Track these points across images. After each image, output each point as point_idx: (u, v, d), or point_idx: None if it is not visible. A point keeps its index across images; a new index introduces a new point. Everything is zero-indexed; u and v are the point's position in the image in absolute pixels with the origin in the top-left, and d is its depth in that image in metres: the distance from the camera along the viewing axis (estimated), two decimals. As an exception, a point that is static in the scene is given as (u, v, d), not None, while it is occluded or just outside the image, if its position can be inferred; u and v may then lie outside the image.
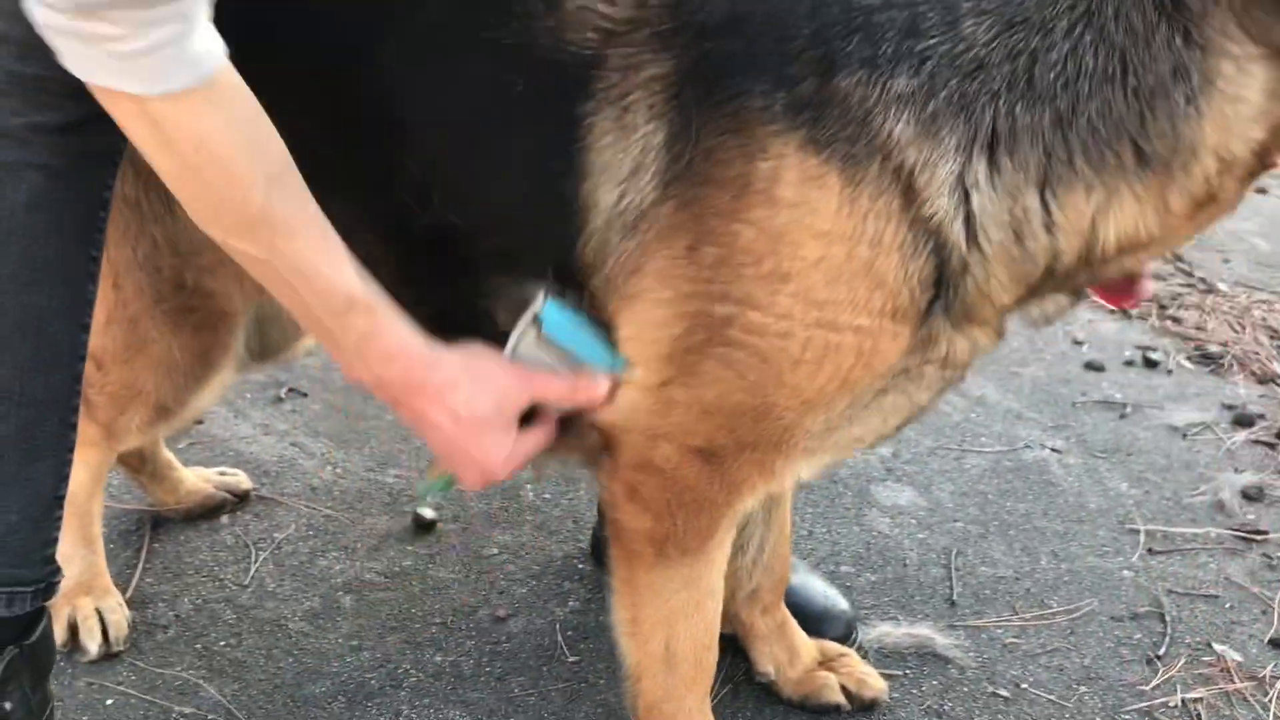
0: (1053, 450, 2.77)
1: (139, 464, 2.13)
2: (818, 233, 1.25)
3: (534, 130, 1.39)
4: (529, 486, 2.44)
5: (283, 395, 2.73)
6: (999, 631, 2.10)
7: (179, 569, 2.12)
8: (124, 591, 2.00)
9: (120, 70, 1.17)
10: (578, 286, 1.39)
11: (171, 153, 1.22)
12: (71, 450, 1.49)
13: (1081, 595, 2.22)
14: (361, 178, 1.47)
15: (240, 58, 1.47)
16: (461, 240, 1.45)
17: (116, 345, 1.69)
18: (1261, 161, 1.24)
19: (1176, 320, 3.57)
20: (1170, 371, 3.24)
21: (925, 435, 2.75)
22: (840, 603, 2.03)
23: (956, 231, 1.26)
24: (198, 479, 2.27)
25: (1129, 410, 3.00)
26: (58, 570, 1.49)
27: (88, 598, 1.89)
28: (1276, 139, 1.23)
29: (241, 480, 2.33)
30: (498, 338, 1.42)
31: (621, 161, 1.32)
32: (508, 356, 1.39)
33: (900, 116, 1.24)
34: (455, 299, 1.50)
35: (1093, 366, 3.19)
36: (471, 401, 1.35)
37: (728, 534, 1.48)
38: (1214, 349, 3.36)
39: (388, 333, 1.33)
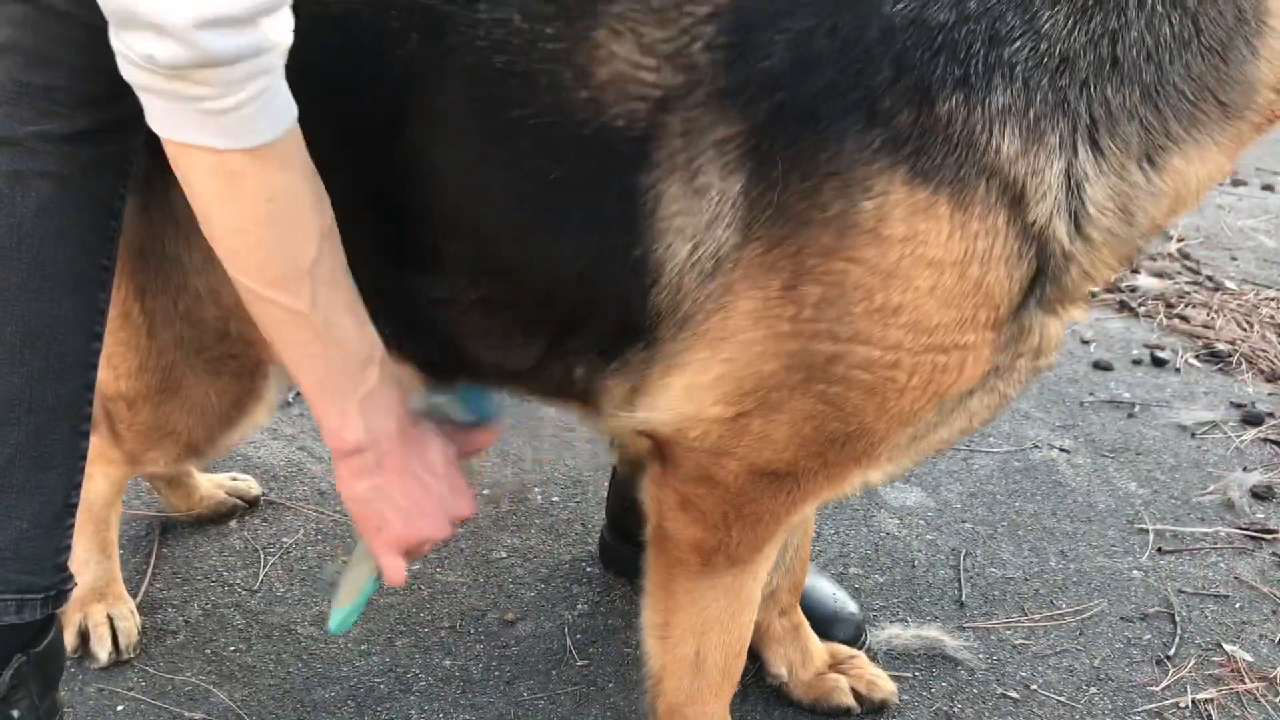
0: (1061, 450, 2.77)
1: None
2: (930, 262, 1.23)
3: (587, 207, 1.37)
4: (537, 490, 2.44)
5: (290, 399, 2.74)
6: (1008, 633, 2.09)
7: (188, 574, 2.12)
8: (134, 597, 2.00)
9: (207, 126, 1.19)
10: (641, 335, 1.40)
11: (239, 205, 1.24)
12: (83, 459, 1.49)
13: (1091, 596, 2.22)
14: (403, 248, 1.49)
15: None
16: (519, 310, 1.48)
17: (149, 389, 1.69)
18: None
19: (1184, 318, 3.56)
20: (1178, 370, 3.23)
21: (933, 436, 2.75)
22: (849, 605, 2.03)
23: (1060, 229, 1.26)
24: (211, 485, 2.27)
25: (1137, 409, 3.00)
26: (69, 578, 1.49)
27: (100, 604, 1.90)
28: None
29: (252, 486, 2.34)
30: (571, 391, 1.52)
31: (696, 221, 1.30)
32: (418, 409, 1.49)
33: (1005, 131, 1.23)
34: (521, 363, 1.53)
35: (1101, 365, 3.19)
36: (445, 447, 1.47)
37: (778, 544, 1.47)
38: (1222, 347, 3.36)
39: (392, 386, 1.39)
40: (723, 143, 1.28)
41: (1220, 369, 3.26)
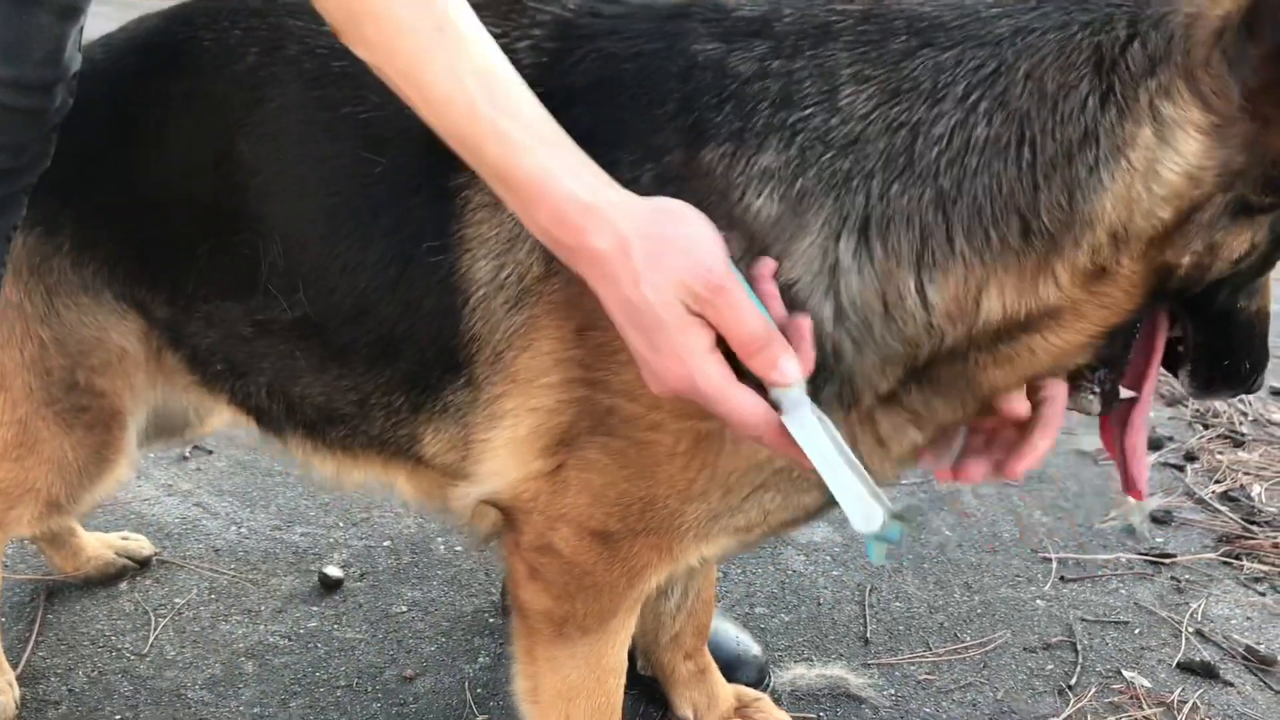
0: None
1: (42, 530, 2.07)
2: None
3: (401, 209, 1.34)
4: (439, 540, 2.40)
5: (187, 454, 2.67)
6: (912, 668, 2.09)
7: (74, 640, 2.05)
8: (15, 667, 1.93)
9: None
10: (459, 369, 1.34)
11: None
12: None
13: (995, 627, 2.23)
14: (232, 271, 1.43)
15: (111, 149, 1.46)
16: (335, 334, 1.40)
17: (5, 444, 1.63)
18: (1162, 247, 1.15)
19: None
20: (1081, 396, 3.27)
21: (840, 470, 2.75)
22: (753, 647, 2.02)
23: (823, 314, 1.17)
24: (99, 544, 2.20)
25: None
26: None
27: (-26, 677, 1.82)
28: (1183, 226, 1.14)
29: (143, 545, 2.27)
30: (399, 446, 1.41)
31: (498, 234, 1.27)
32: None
33: (763, 193, 1.17)
34: (346, 405, 1.46)
35: (1005, 394, 3.22)
36: (638, 284, 1.06)
37: (630, 615, 1.44)
38: (1123, 372, 3.41)
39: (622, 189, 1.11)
40: None
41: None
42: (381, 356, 1.38)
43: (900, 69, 1.16)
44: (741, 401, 1.07)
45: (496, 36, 1.20)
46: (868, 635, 2.17)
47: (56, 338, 1.54)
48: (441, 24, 1.09)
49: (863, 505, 1.07)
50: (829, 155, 1.16)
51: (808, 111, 1.17)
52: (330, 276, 1.37)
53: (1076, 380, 1.32)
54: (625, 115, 1.23)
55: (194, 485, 2.57)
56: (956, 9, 1.18)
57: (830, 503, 1.23)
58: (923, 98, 1.15)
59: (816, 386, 1.17)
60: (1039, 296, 1.16)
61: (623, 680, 1.50)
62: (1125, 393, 1.34)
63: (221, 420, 1.78)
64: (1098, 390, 1.33)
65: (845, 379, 1.20)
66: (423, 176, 1.30)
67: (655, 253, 1.05)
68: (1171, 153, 1.10)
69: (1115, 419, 1.37)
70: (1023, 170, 1.12)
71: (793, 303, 1.15)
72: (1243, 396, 3.24)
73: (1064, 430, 3.08)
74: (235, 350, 1.48)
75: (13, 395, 1.58)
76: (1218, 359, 1.29)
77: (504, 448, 1.34)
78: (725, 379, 1.06)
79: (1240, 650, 2.18)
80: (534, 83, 1.19)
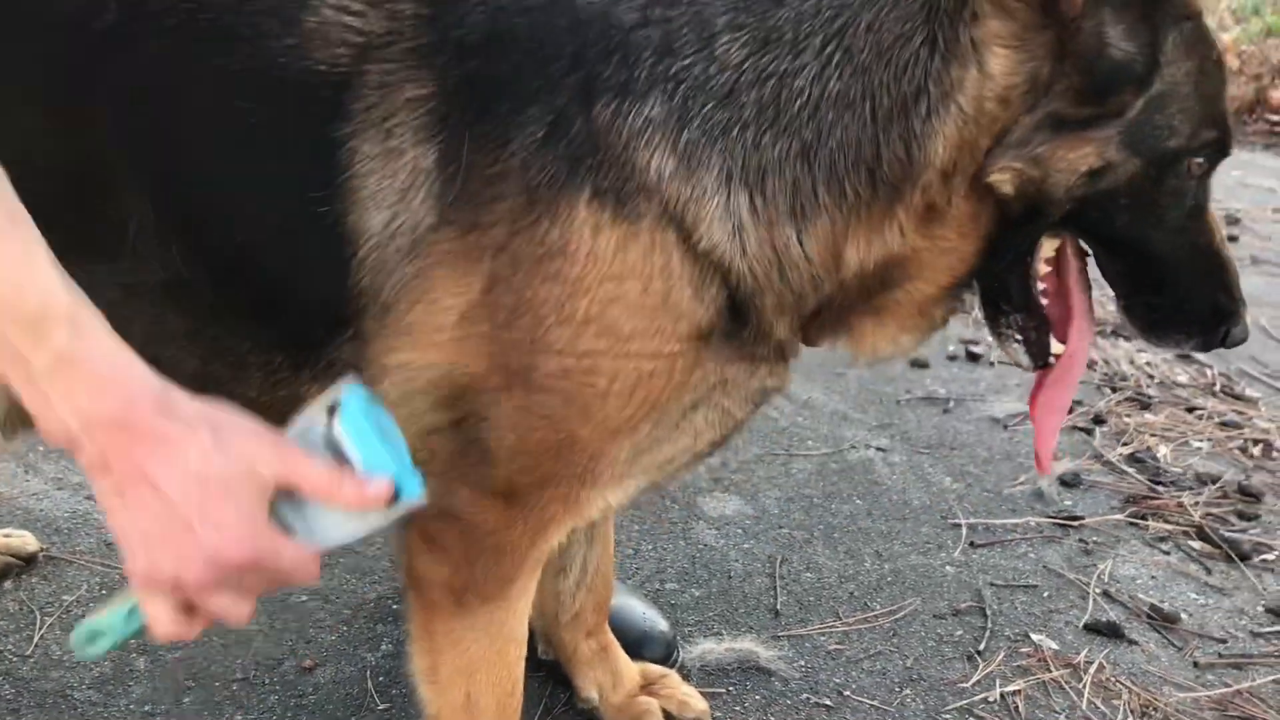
0: (878, 449, 2.79)
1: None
2: (609, 275, 1.21)
3: (282, 159, 1.29)
4: (343, 525, 2.34)
5: None
6: (822, 639, 2.08)
7: (-47, 643, 1.97)
8: (-111, 673, 1.84)
9: None
10: (346, 325, 1.30)
11: None
12: None
13: (904, 595, 2.22)
14: (96, 235, 1.34)
15: None
16: (209, 292, 1.34)
17: None
18: (980, 175, 1.21)
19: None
20: (992, 364, 3.30)
21: (753, 442, 2.74)
22: (660, 624, 1.99)
23: (738, 262, 1.23)
24: (-23, 544, 2.11)
25: (952, 405, 3.04)
26: None
27: None
28: (993, 149, 1.20)
29: (28, 541, 2.18)
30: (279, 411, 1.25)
31: (390, 185, 1.24)
32: (288, 436, 1.10)
33: (655, 148, 1.20)
34: (221, 367, 1.37)
35: (918, 364, 3.23)
36: (209, 457, 1.01)
37: (531, 578, 1.41)
38: (1033, 338, 3.44)
39: (98, 353, 1.00)
40: (414, 103, 1.24)
41: (1031, 360, 3.34)
42: (259, 314, 1.33)
43: (767, 18, 1.21)
44: (293, 550, 1.04)
45: None
46: (778, 607, 2.16)
47: None
48: None
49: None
50: (710, 105, 1.20)
51: (688, 60, 1.21)
52: (205, 232, 1.31)
53: (1000, 329, 1.37)
54: (524, 72, 1.22)
55: (84, 477, 2.46)
56: None
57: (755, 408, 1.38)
58: (787, 48, 1.20)
59: (741, 328, 1.28)
60: (886, 244, 1.24)
61: (524, 652, 1.47)
62: (1058, 347, 1.36)
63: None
64: (1020, 339, 1.34)
65: (756, 322, 1.27)
66: (303, 126, 1.26)
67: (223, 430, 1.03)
68: (987, 80, 1.18)
69: (1043, 379, 1.37)
70: (866, 124, 1.19)
71: (717, 265, 1.22)
72: (1150, 360, 3.29)
73: (974, 396, 3.10)
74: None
75: None
76: (1149, 294, 1.31)
77: (395, 404, 1.28)
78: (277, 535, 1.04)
79: (1145, 609, 2.20)
80: (420, 32, 1.24)
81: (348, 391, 1.10)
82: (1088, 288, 1.35)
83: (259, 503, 1.03)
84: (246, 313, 1.34)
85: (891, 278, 1.27)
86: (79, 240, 1.35)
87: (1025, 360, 1.35)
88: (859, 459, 2.74)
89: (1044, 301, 1.32)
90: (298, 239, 1.28)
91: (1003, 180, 1.21)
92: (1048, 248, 1.30)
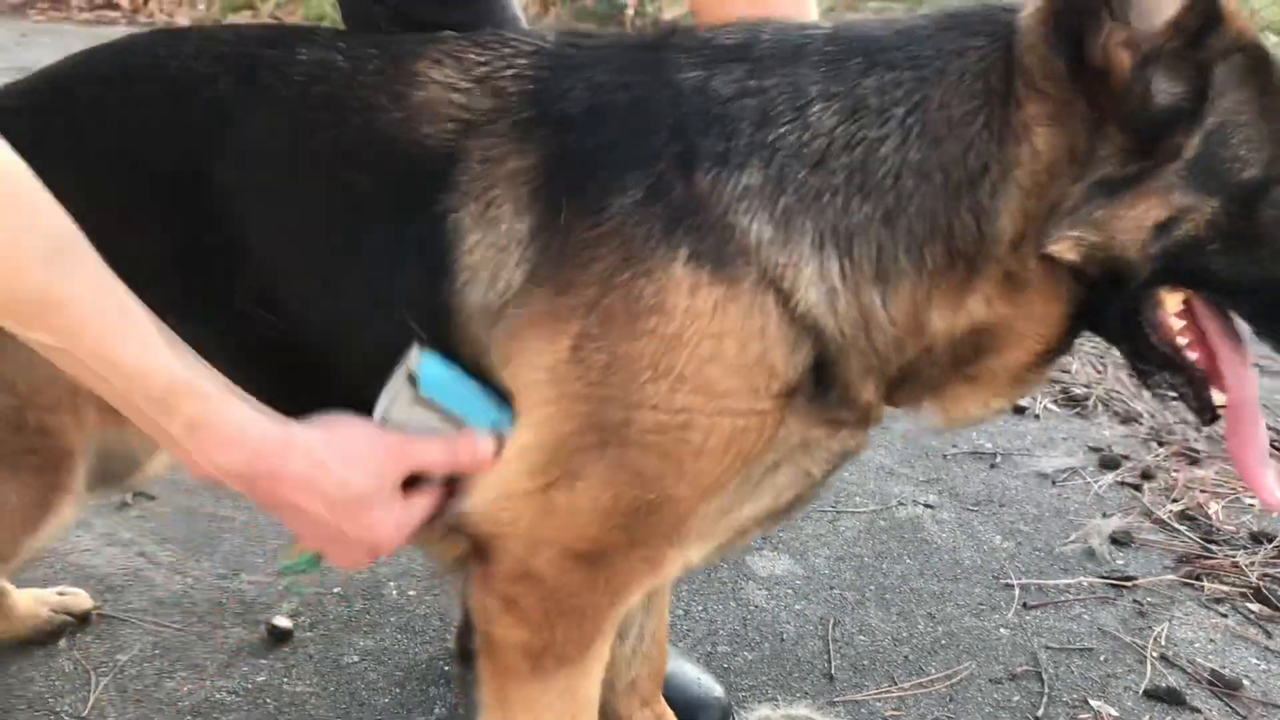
0: (926, 506, 2.77)
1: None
2: (707, 333, 1.23)
3: (387, 230, 1.33)
4: (392, 584, 2.34)
5: (129, 500, 2.59)
6: (878, 704, 2.06)
7: (9, 704, 1.96)
8: (-53, 735, 1.85)
9: None
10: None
11: None
12: None
13: (960, 658, 2.20)
14: (209, 301, 1.40)
15: (74, 174, 1.41)
16: (310, 352, 1.38)
17: None
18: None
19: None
20: (1038, 416, 3.28)
21: (800, 499, 2.72)
22: (715, 689, 1.97)
23: (830, 325, 1.26)
24: (34, 602, 2.12)
25: (999, 459, 3.02)
26: None
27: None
28: (1045, 224, 1.23)
29: (81, 599, 2.19)
30: None
31: (487, 253, 1.28)
32: (378, 421, 1.28)
33: (754, 214, 1.24)
34: None
35: (962, 417, 3.20)
36: (345, 482, 1.23)
37: (608, 641, 1.41)
38: (1078, 391, 3.42)
39: (222, 417, 1.20)
40: (516, 174, 1.29)
41: (1077, 414, 3.32)
42: (359, 377, 1.35)
43: (856, 88, 1.26)
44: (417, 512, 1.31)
45: (479, 65, 1.34)
46: (832, 671, 2.14)
47: (5, 376, 1.47)
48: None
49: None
50: (805, 171, 1.24)
51: (783, 129, 1.26)
52: (311, 299, 1.36)
53: (1156, 392, 1.36)
54: (624, 142, 1.27)
55: (136, 534, 2.48)
56: (902, 32, 1.30)
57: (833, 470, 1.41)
58: (873, 116, 1.25)
59: (825, 390, 1.30)
60: (971, 313, 1.27)
61: (595, 717, 1.46)
62: (1220, 397, 1.33)
63: (166, 460, 1.72)
64: (1176, 398, 1.36)
65: (842, 385, 1.29)
66: (410, 198, 1.31)
67: (346, 449, 1.26)
68: (1036, 156, 1.22)
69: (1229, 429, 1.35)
70: (940, 195, 1.24)
71: (810, 328, 1.26)
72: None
73: (1020, 450, 3.08)
74: None
75: None
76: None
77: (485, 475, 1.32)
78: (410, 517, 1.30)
79: (1205, 675, 2.16)
80: (523, 108, 1.31)
81: (418, 356, 1.26)
82: (1229, 329, 1.31)
83: (391, 501, 1.26)
84: (345, 377, 1.36)
85: (984, 345, 1.30)
86: (188, 299, 1.39)
87: (1194, 418, 1.35)
88: (908, 516, 2.72)
89: (1192, 355, 1.30)
90: (396, 304, 1.31)
91: (1063, 250, 1.23)
92: (1174, 301, 1.29)
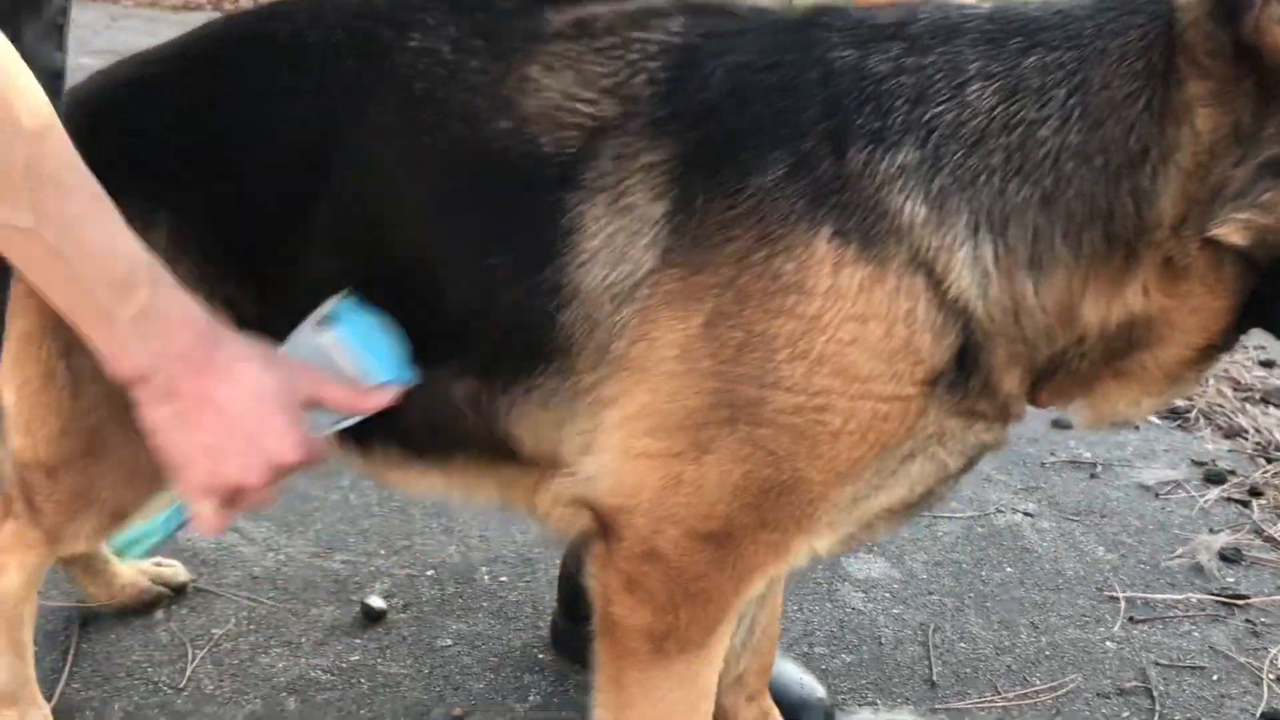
0: (1025, 514, 2.70)
1: (73, 558, 1.99)
2: (851, 315, 1.20)
3: (503, 225, 1.33)
4: (484, 570, 2.32)
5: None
6: (982, 714, 2.00)
7: (109, 671, 1.97)
8: (48, 699, 1.84)
9: None
10: (549, 360, 1.33)
11: None
12: None
13: (1064, 670, 2.13)
14: (333, 270, 1.40)
15: (208, 143, 1.44)
16: (432, 333, 1.37)
17: (72, 454, 1.56)
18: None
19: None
20: (1137, 427, 3.18)
21: (894, 502, 2.66)
22: (817, 690, 1.93)
23: (979, 310, 1.21)
24: (134, 572, 2.12)
25: (1099, 469, 2.94)
26: None
27: (11, 711, 1.74)
28: (1209, 206, 1.18)
29: (178, 572, 2.19)
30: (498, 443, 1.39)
31: (615, 239, 1.26)
32: (286, 351, 1.30)
33: (907, 194, 1.20)
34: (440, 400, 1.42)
35: (1060, 424, 3.13)
36: (262, 378, 1.22)
37: (730, 628, 1.38)
38: (1180, 403, 3.32)
39: (174, 303, 1.20)
40: (651, 167, 1.27)
41: (1179, 426, 3.22)
42: (472, 351, 1.35)
43: (1016, 67, 1.21)
44: (319, 446, 1.27)
45: (606, 76, 1.32)
46: (933, 678, 2.08)
47: None
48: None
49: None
50: (960, 153, 1.20)
51: (940, 108, 1.21)
52: (434, 280, 1.36)
53: None
54: (769, 121, 1.24)
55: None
56: (1061, 11, 1.25)
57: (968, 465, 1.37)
58: (1033, 97, 1.20)
59: (966, 379, 1.25)
60: (1127, 304, 1.22)
61: (712, 706, 1.42)
62: None
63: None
64: None
65: (985, 375, 1.24)
66: (528, 198, 1.30)
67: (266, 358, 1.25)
68: (1198, 138, 1.16)
69: None
70: (1100, 178, 1.18)
71: (959, 313, 1.21)
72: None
73: (1120, 461, 2.99)
74: None
75: (84, 403, 1.51)
76: None
77: (612, 432, 1.30)
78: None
79: (1325, 699, 2.08)
80: (658, 108, 1.29)
81: (340, 301, 1.29)
82: None
83: (296, 416, 1.23)
84: (451, 346, 1.36)
85: (1138, 339, 1.24)
86: (314, 270, 1.38)
87: None
88: (1006, 524, 2.65)
89: None
90: (522, 289, 1.30)
91: (1228, 233, 1.17)
92: None
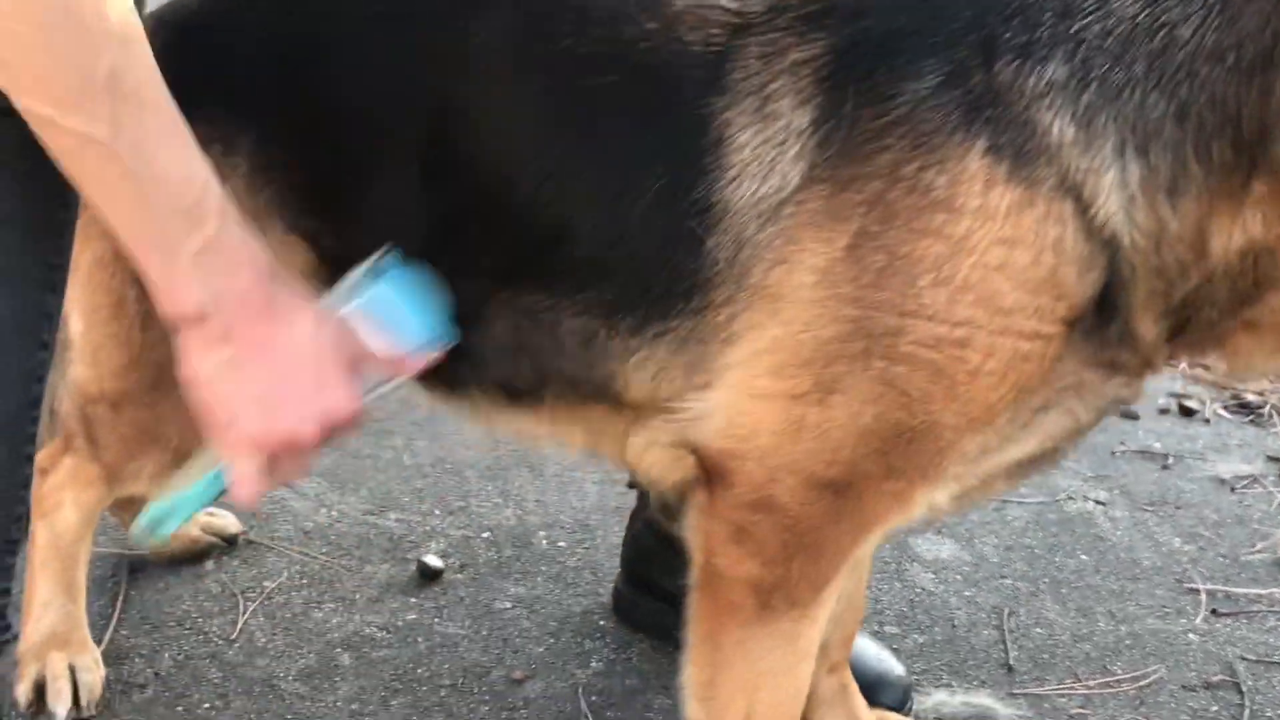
0: (1097, 502, 2.60)
1: (125, 501, 1.92)
2: (999, 238, 1.13)
3: (643, 137, 1.26)
4: (541, 534, 2.25)
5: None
6: (1062, 700, 1.91)
7: (159, 620, 1.91)
8: (97, 644, 1.79)
9: None
10: (688, 296, 1.25)
11: None
12: (25, 487, 1.28)
13: (1146, 660, 2.04)
14: (428, 203, 1.34)
15: (296, 67, 1.37)
16: (539, 266, 1.31)
17: (138, 388, 1.50)
18: None
19: (1206, 368, 3.42)
20: (1208, 420, 3.08)
21: (962, 484, 2.58)
22: (896, 667, 1.85)
23: (1126, 241, 1.14)
24: (182, 520, 2.06)
25: (1171, 461, 2.84)
26: (7, 629, 1.28)
27: (61, 653, 1.68)
28: None
29: (230, 523, 2.13)
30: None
31: (762, 150, 1.19)
32: (329, 304, 1.19)
33: (1056, 111, 1.13)
34: (537, 335, 1.35)
35: (1128, 415, 3.02)
36: (318, 328, 1.13)
37: (839, 586, 1.31)
38: (1251, 398, 3.21)
39: (237, 239, 1.10)
40: (799, 65, 1.20)
41: (1251, 421, 3.12)
42: (585, 284, 1.28)
43: None
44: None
45: None
46: (1010, 662, 1.99)
47: None
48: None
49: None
50: (1106, 66, 1.12)
51: (1088, 19, 1.14)
52: (556, 210, 1.28)
53: None
54: (921, 28, 1.18)
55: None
56: None
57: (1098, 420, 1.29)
58: None
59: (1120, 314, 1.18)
60: (1246, 229, 1.14)
61: (811, 670, 1.35)
62: None
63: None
64: None
65: (1124, 319, 1.18)
66: (675, 103, 1.23)
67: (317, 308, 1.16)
68: None
69: None
70: (1231, 77, 1.11)
71: (1106, 243, 1.14)
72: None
73: (1193, 454, 2.89)
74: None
75: (157, 333, 1.44)
76: None
77: (735, 369, 1.22)
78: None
79: None
80: (812, 1, 1.21)
81: (380, 260, 1.19)
82: None
83: (352, 368, 1.14)
84: (571, 282, 1.28)
85: (1264, 276, 1.16)
86: (407, 204, 1.31)
87: None
88: (1078, 511, 2.55)
89: None
90: (659, 214, 1.23)
91: None
92: None
